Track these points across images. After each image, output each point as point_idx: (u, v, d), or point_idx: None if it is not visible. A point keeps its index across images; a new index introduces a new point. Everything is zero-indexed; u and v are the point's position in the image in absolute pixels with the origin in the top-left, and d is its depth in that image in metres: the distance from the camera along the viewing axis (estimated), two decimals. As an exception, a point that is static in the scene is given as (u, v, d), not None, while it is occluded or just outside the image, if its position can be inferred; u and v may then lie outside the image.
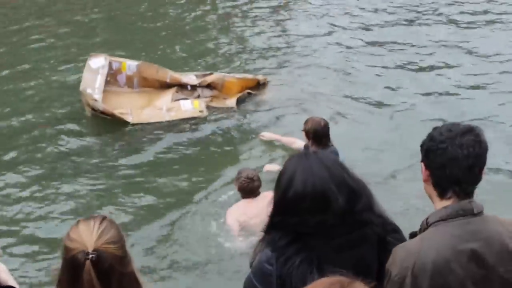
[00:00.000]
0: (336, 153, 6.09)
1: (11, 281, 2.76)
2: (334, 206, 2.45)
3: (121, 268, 2.28)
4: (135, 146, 8.24)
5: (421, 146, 2.60)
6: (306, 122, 6.62)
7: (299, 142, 7.10)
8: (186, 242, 6.36)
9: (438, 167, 2.51)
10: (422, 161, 2.60)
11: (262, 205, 5.99)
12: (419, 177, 2.62)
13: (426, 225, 2.55)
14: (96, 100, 8.57)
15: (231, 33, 11.92)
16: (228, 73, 9.71)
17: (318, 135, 6.47)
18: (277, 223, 2.55)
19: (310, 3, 13.07)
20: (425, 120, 8.08)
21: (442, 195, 2.54)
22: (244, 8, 13.09)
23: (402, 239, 2.60)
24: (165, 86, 9.28)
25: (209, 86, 9.30)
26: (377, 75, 9.79)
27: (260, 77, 9.57)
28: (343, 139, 7.17)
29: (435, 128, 2.59)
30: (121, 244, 2.30)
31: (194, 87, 9.28)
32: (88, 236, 2.24)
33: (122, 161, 7.93)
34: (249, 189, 6.21)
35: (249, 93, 9.32)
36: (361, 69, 9.97)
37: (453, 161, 2.48)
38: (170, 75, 9.28)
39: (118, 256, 2.27)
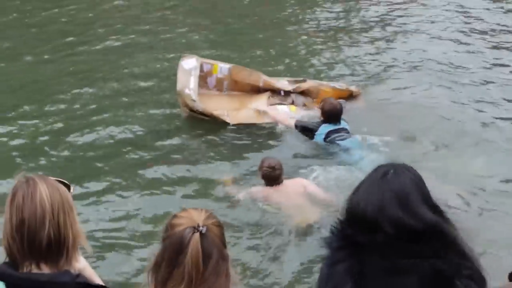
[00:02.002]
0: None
1: (97, 279, 2.72)
2: (384, 231, 2.38)
3: (220, 257, 2.27)
4: (231, 151, 8.28)
5: None
6: (323, 102, 8.14)
7: (289, 121, 8.35)
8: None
9: None
10: None
11: (283, 193, 6.64)
12: None
13: None
14: (195, 101, 8.59)
15: (327, 41, 11.74)
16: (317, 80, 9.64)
17: (331, 115, 7.91)
18: (337, 224, 2.53)
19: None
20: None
21: None
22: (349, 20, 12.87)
23: None
24: (256, 90, 9.25)
25: (303, 93, 9.25)
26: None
27: (353, 88, 9.44)
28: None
29: None
30: (223, 233, 2.34)
31: (287, 93, 9.22)
32: (197, 216, 2.29)
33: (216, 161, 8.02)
34: (271, 177, 6.72)
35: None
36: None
37: None
38: (263, 79, 9.24)
39: (221, 241, 2.31)
